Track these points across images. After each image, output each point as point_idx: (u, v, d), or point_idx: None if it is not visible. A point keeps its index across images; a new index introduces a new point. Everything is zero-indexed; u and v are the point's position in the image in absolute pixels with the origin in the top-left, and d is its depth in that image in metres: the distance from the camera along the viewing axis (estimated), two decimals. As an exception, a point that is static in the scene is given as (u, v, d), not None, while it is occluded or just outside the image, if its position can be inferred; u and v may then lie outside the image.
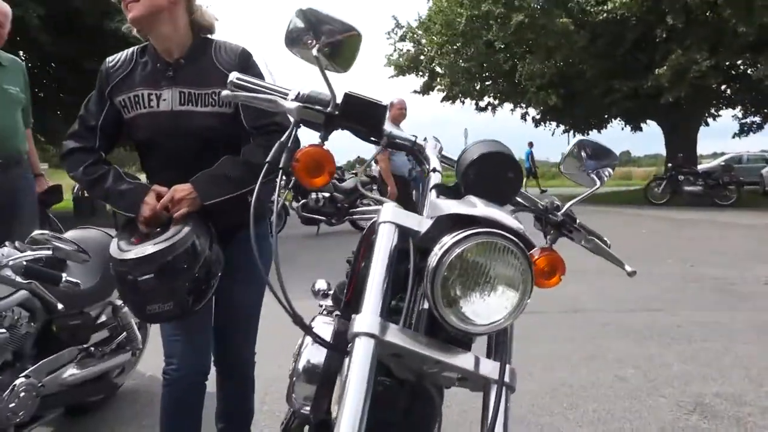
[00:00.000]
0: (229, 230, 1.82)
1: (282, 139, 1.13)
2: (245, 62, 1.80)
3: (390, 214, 1.02)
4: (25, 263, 1.78)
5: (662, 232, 9.92)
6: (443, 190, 1.04)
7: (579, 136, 23.50)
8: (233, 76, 1.21)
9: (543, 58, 17.84)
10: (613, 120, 21.92)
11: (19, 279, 1.79)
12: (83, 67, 10.67)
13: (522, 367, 3.22)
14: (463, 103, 22.92)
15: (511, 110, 23.09)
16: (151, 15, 1.72)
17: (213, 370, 1.98)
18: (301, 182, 1.11)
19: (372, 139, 1.18)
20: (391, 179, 6.69)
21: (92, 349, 2.54)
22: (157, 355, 2.00)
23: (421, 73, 22.78)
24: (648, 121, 21.24)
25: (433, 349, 0.94)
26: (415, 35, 22.70)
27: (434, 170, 1.12)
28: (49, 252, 1.88)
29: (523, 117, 22.43)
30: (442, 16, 20.54)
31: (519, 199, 1.30)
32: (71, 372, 2.40)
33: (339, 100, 1.14)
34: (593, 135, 22.94)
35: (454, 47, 20.74)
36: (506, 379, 0.96)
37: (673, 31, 14.95)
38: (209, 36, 1.89)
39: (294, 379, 1.28)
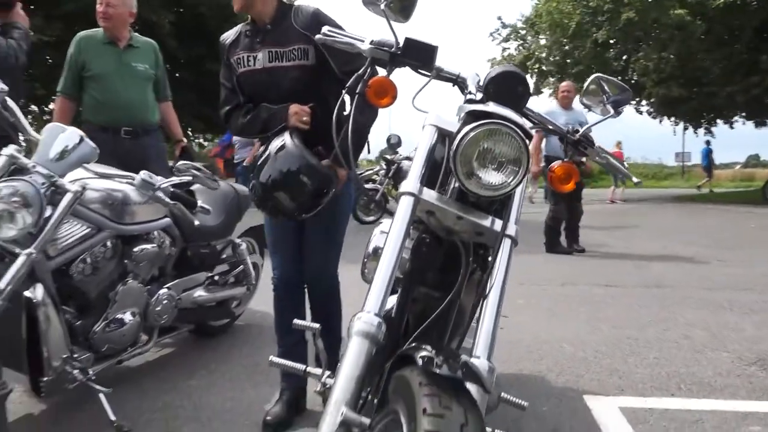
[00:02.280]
0: None
1: (359, 72, 1.55)
2: (317, 18, 2.17)
3: (433, 119, 1.42)
4: (171, 188, 2.33)
5: (773, 228, 9.48)
6: (472, 101, 1.42)
7: (701, 134, 22.18)
8: (325, 29, 1.65)
9: (658, 50, 17.27)
10: (736, 115, 20.74)
11: (167, 200, 2.33)
12: (205, 68, 11.80)
13: (590, 324, 3.51)
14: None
15: (623, 108, 22.47)
16: (247, 3, 2.21)
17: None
18: (371, 102, 1.53)
19: (424, 73, 1.57)
20: (537, 155, 6.48)
21: (216, 277, 3.10)
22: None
23: (529, 74, 22.66)
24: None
25: (457, 208, 1.32)
26: (519, 34, 22.64)
27: (469, 92, 1.49)
28: (190, 178, 2.41)
29: (638, 111, 21.88)
30: (550, 18, 20.29)
31: (548, 126, 1.65)
32: (200, 293, 2.95)
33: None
34: (717, 131, 21.75)
35: (563, 49, 20.49)
36: (510, 232, 1.31)
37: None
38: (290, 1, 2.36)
39: (366, 259, 1.70)
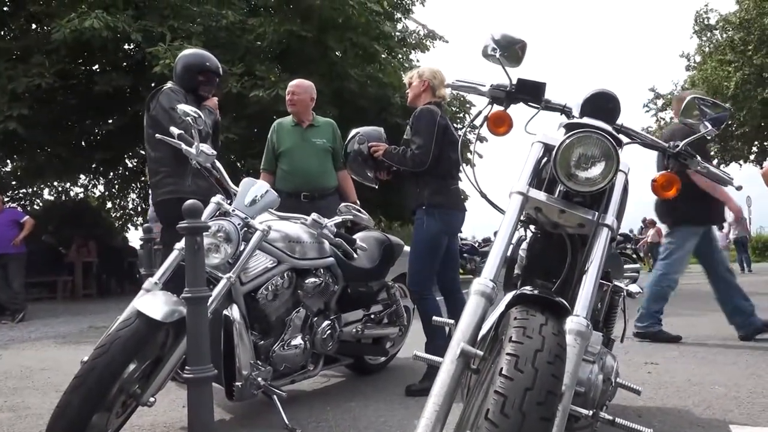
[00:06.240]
0: None
1: (480, 110, 1.92)
2: None
3: (541, 137, 1.73)
4: (335, 227, 2.81)
5: None
6: (570, 118, 1.72)
7: None
8: (454, 78, 2.05)
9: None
10: None
11: (332, 236, 2.81)
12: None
13: (749, 370, 3.42)
14: (741, 166, 21.38)
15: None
16: None
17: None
18: (491, 130, 1.88)
19: (534, 105, 1.90)
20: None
21: (372, 315, 3.50)
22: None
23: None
24: None
25: (560, 203, 1.60)
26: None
27: (573, 116, 1.79)
28: (351, 217, 2.89)
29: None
30: (707, 85, 19.72)
31: (648, 142, 1.88)
32: (358, 328, 3.36)
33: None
34: None
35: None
36: (606, 221, 1.55)
37: None
38: None
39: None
